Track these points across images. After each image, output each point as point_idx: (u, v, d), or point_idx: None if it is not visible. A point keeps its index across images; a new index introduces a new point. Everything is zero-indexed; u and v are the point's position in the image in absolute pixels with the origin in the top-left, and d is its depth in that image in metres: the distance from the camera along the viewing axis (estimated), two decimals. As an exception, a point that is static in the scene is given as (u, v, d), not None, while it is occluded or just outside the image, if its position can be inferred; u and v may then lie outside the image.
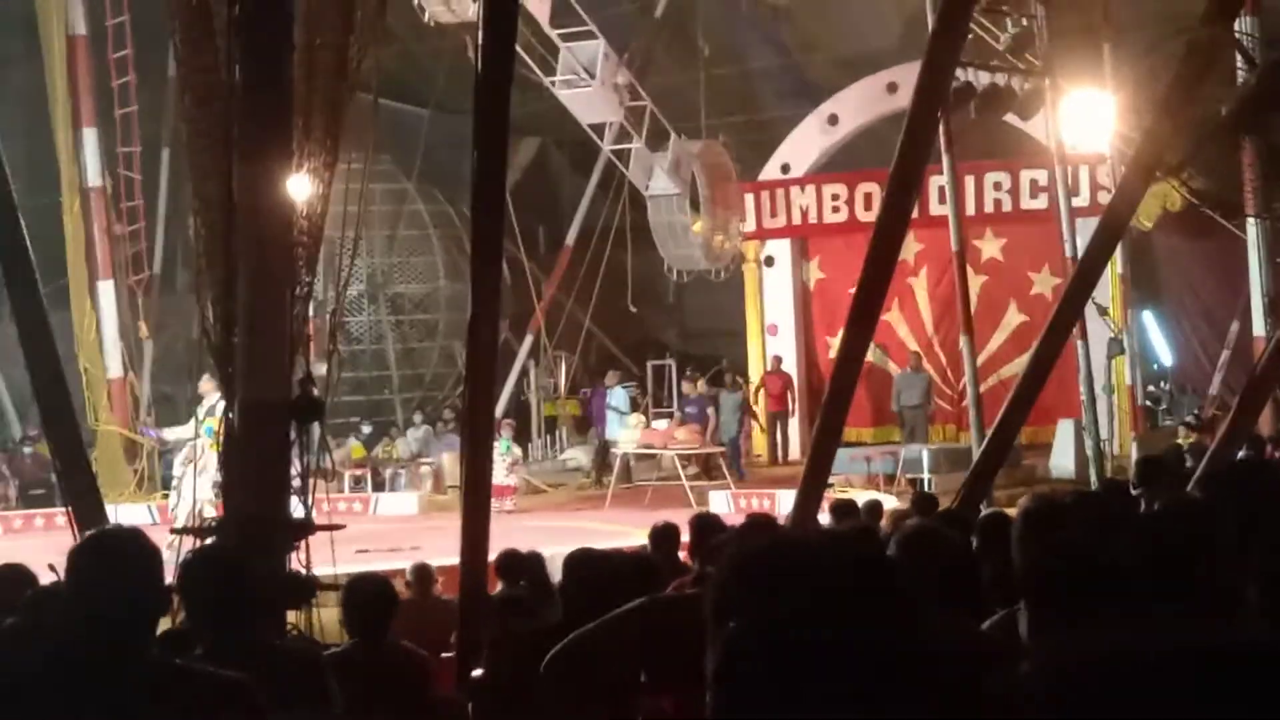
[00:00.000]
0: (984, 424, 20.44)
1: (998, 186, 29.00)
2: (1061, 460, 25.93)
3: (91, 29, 28.57)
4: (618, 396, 30.31)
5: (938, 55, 11.89)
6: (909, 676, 2.43)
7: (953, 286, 23.69)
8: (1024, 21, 22.95)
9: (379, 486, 28.91)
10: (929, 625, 5.10)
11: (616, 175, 30.55)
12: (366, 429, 32.06)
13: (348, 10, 9.47)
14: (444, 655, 9.16)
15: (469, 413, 9.69)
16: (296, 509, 8.93)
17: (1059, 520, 5.73)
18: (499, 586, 11.33)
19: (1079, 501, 7.28)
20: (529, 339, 32.76)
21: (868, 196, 29.09)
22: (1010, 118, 24.61)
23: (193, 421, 22.06)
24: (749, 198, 31.18)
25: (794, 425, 30.83)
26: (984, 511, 12.25)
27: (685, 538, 10.74)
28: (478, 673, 8.21)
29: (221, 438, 8.89)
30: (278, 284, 8.66)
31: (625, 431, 28.18)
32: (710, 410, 30.02)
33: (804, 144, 31.16)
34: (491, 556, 10.29)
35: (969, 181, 27.74)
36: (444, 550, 13.15)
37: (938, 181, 24.45)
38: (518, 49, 9.87)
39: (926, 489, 21.58)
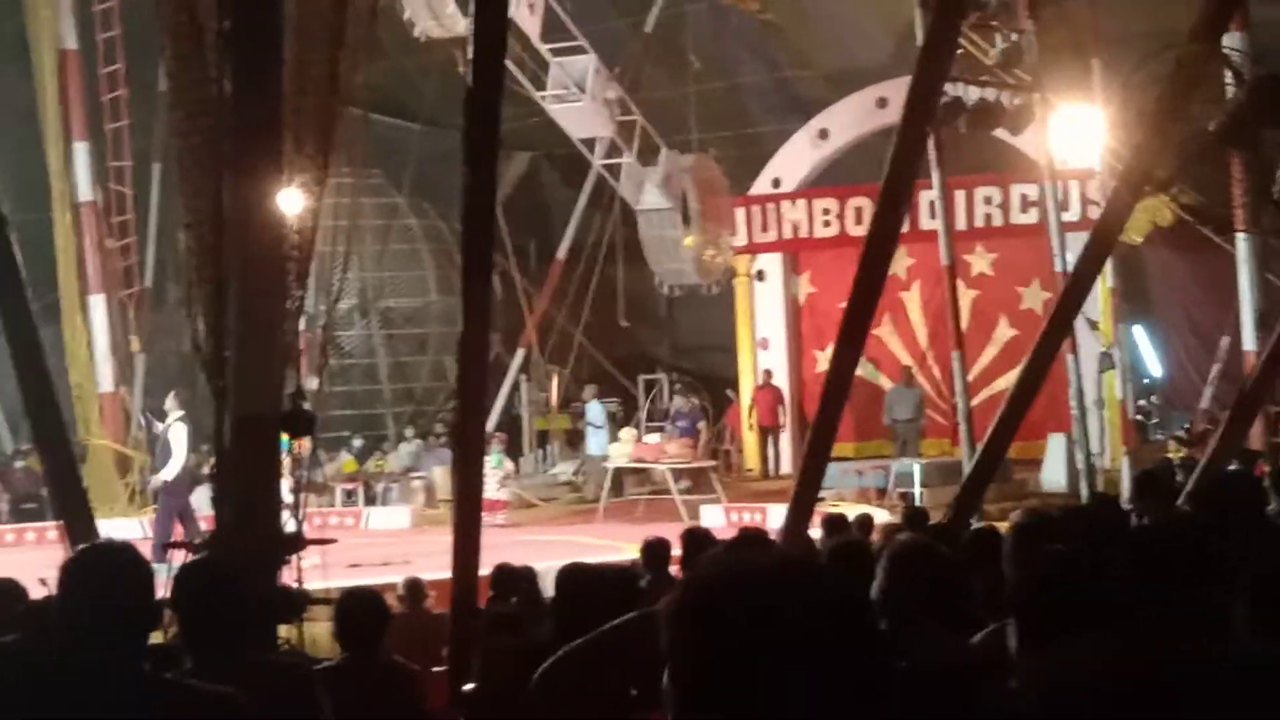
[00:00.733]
0: (975, 438, 20.47)
1: (988, 201, 29.01)
2: (1052, 474, 25.93)
3: (83, 43, 28.57)
4: (593, 411, 30.28)
5: (927, 70, 11.94)
6: (883, 709, 2.39)
7: (944, 301, 23.72)
8: (1013, 36, 22.97)
9: (370, 500, 28.91)
10: (917, 641, 5.11)
11: (607, 190, 30.55)
12: (358, 443, 32.05)
13: (338, 26, 9.49)
14: (436, 669, 9.16)
15: (460, 427, 9.70)
16: (288, 523, 8.95)
17: (1050, 535, 5.76)
18: (491, 601, 11.33)
19: (1069, 516, 7.31)
20: (520, 353, 32.74)
21: (858, 211, 29.11)
22: (1000, 132, 24.63)
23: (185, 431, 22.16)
24: (740, 212, 31.17)
25: (785, 439, 30.85)
26: (974, 526, 12.31)
27: (677, 552, 10.78)
28: (469, 687, 8.22)
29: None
30: (269, 298, 8.68)
31: (615, 446, 28.18)
32: (701, 424, 30.04)
33: (795, 158, 31.18)
34: (483, 571, 10.29)
35: (959, 196, 27.75)
36: (436, 564, 13.15)
37: (928, 196, 24.47)
38: (508, 64, 9.89)
39: (918, 503, 21.58)
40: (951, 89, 21.01)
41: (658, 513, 25.17)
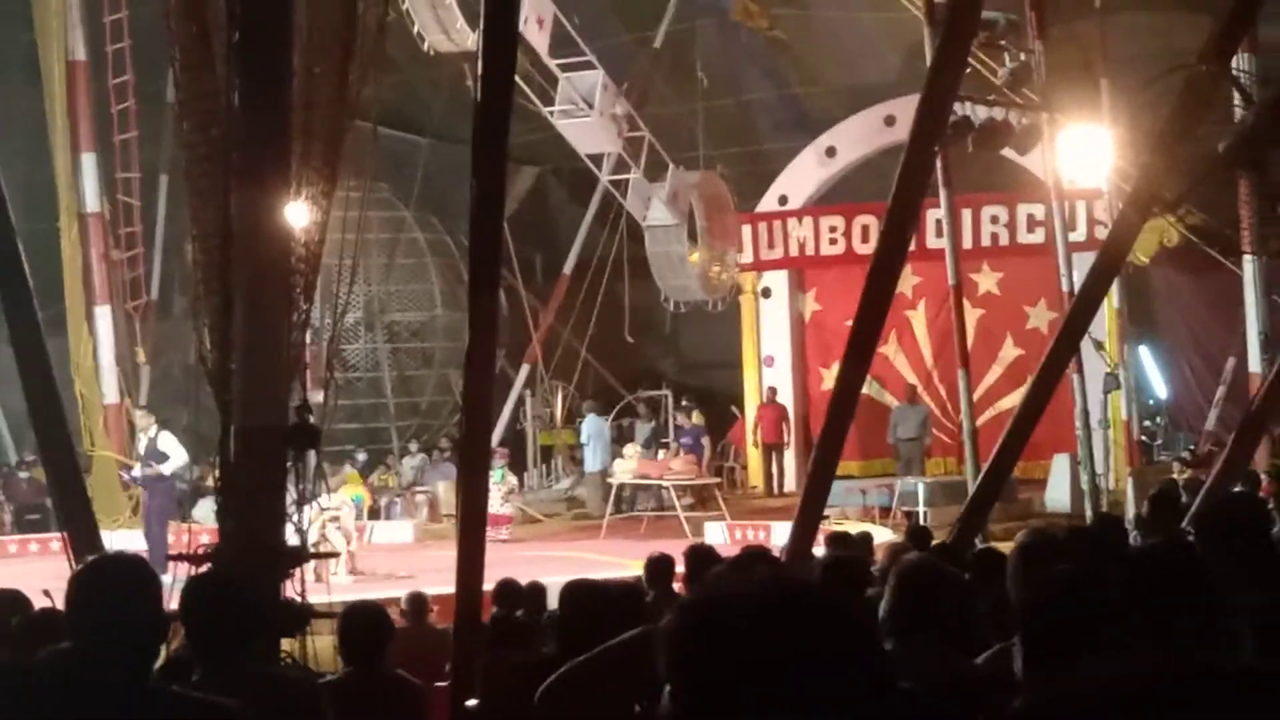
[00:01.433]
0: (980, 458, 20.46)
1: (995, 220, 29.02)
2: (1057, 494, 25.91)
3: (92, 55, 28.62)
4: (590, 427, 30.14)
5: (936, 89, 11.94)
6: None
7: (950, 320, 23.73)
8: (1022, 56, 23.00)
9: (374, 514, 28.87)
10: (922, 660, 5.10)
11: (614, 205, 30.57)
12: (362, 457, 32.02)
13: (347, 39, 9.50)
14: (438, 684, 9.15)
15: (465, 441, 9.69)
16: (291, 536, 8.95)
17: (1054, 555, 5.74)
18: (494, 616, 11.32)
19: (1074, 537, 7.30)
20: (525, 368, 32.77)
21: (865, 229, 29.14)
22: (1008, 152, 24.65)
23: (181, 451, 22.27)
24: (746, 229, 31.18)
25: (789, 457, 30.84)
26: (978, 546, 12.31)
27: (680, 569, 10.78)
28: (472, 702, 8.21)
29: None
30: (275, 311, 8.68)
31: (620, 462, 28.16)
32: (705, 440, 30.03)
33: (802, 176, 31.19)
34: (487, 585, 10.28)
35: (966, 215, 27.79)
36: (439, 579, 13.14)
37: (935, 215, 24.48)
38: (516, 79, 9.90)
39: (922, 522, 21.56)
40: (960, 108, 21.03)
41: (661, 529, 25.18)
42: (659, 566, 11.10)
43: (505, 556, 19.24)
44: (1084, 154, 23.09)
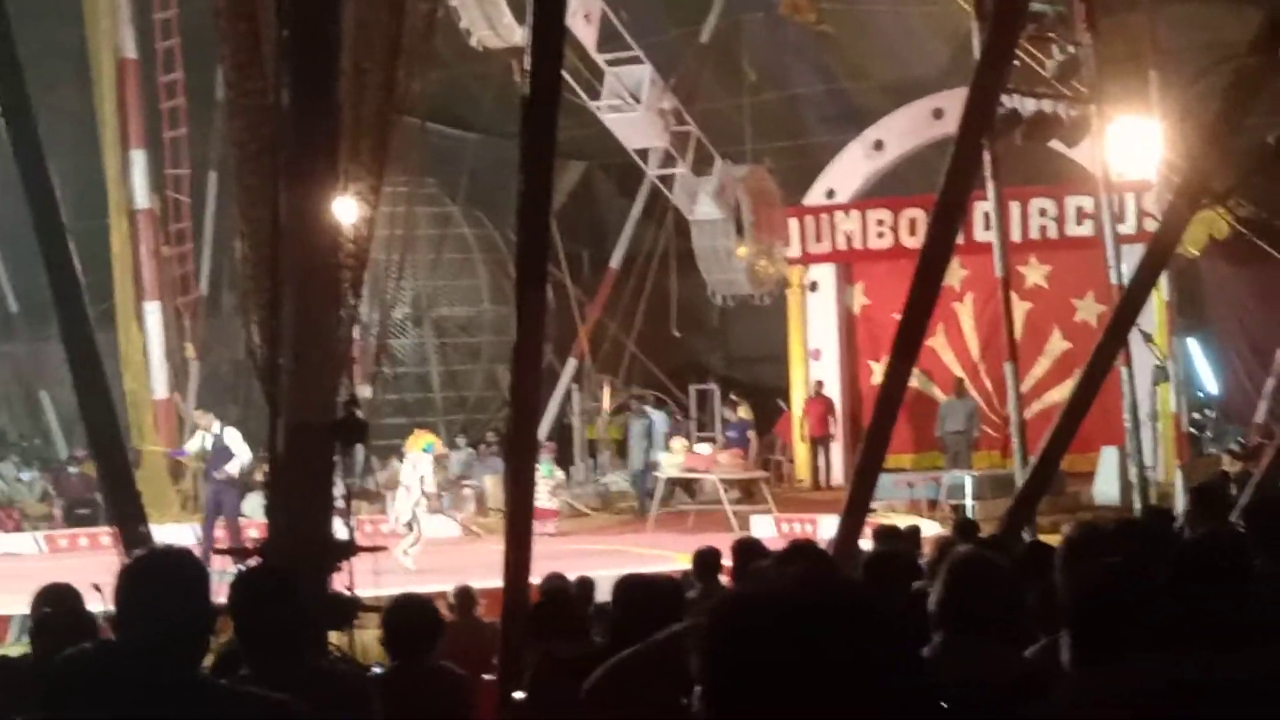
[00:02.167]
0: (1028, 451, 20.38)
1: (1043, 213, 28.92)
2: (1105, 488, 25.79)
3: (142, 52, 28.81)
4: (636, 425, 30.07)
5: (984, 82, 11.89)
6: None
7: (998, 313, 23.65)
8: (1070, 49, 22.88)
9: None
10: (971, 654, 5.10)
11: (661, 200, 30.59)
12: (410, 450, 32.07)
13: (395, 35, 9.53)
14: (485, 677, 9.18)
15: (512, 436, 9.70)
16: (340, 530, 8.99)
17: (1102, 549, 5.73)
18: (540, 609, 11.34)
19: (1122, 530, 7.27)
20: (572, 362, 32.80)
21: (912, 222, 29.07)
22: (1056, 144, 24.54)
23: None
24: (793, 223, 31.14)
25: (836, 450, 30.81)
26: (1026, 539, 12.27)
27: (727, 562, 10.79)
28: (519, 695, 8.23)
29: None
30: (323, 306, 8.72)
31: (666, 456, 28.13)
32: (751, 434, 30.00)
33: (849, 169, 31.13)
34: (534, 580, 10.30)
35: (1014, 208, 27.66)
36: (486, 573, 13.16)
37: (983, 207, 24.33)
38: (564, 73, 9.91)
39: (969, 515, 21.51)
40: (1008, 100, 20.95)
41: (708, 523, 25.19)
42: (706, 559, 11.13)
43: (552, 551, 19.26)
44: (1133, 146, 22.97)
